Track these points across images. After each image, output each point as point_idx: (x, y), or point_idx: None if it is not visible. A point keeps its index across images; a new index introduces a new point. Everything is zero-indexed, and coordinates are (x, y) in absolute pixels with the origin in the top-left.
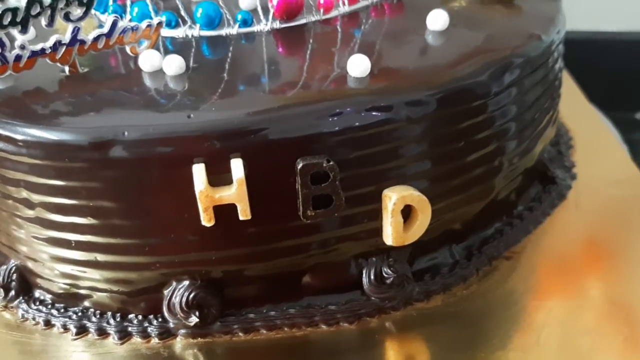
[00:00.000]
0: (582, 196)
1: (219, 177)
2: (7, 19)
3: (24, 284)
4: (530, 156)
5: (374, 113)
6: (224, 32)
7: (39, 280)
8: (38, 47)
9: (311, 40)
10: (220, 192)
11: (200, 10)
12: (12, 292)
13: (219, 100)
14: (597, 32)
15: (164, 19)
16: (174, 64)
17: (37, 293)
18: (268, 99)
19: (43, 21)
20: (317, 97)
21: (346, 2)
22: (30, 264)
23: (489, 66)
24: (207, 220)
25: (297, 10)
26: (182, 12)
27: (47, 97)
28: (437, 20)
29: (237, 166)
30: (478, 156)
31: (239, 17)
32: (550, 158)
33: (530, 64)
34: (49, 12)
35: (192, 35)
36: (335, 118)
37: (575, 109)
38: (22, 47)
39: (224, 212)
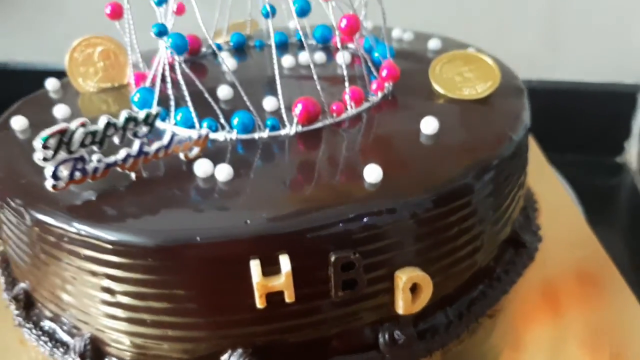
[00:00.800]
0: (547, 258)
1: (269, 269)
2: (89, 140)
3: (98, 352)
4: (505, 231)
5: (387, 214)
6: (256, 135)
7: (110, 349)
8: (111, 159)
9: (329, 143)
10: (272, 282)
11: (236, 119)
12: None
13: (266, 206)
14: (581, 82)
15: (205, 125)
16: (224, 172)
17: None
18: (304, 203)
19: (116, 139)
20: (344, 201)
21: (353, 105)
22: (103, 336)
23: (471, 169)
24: (261, 303)
25: (315, 116)
26: (222, 120)
27: (122, 202)
28: (428, 125)
29: (285, 262)
30: (465, 239)
31: (269, 122)
32: (520, 225)
33: (503, 161)
34: (121, 132)
35: (230, 139)
36: (365, 219)
37: (536, 171)
38: (99, 161)
39: (273, 295)
